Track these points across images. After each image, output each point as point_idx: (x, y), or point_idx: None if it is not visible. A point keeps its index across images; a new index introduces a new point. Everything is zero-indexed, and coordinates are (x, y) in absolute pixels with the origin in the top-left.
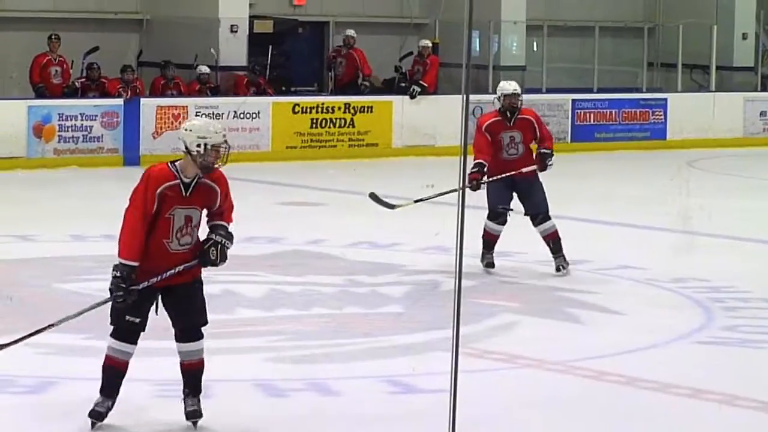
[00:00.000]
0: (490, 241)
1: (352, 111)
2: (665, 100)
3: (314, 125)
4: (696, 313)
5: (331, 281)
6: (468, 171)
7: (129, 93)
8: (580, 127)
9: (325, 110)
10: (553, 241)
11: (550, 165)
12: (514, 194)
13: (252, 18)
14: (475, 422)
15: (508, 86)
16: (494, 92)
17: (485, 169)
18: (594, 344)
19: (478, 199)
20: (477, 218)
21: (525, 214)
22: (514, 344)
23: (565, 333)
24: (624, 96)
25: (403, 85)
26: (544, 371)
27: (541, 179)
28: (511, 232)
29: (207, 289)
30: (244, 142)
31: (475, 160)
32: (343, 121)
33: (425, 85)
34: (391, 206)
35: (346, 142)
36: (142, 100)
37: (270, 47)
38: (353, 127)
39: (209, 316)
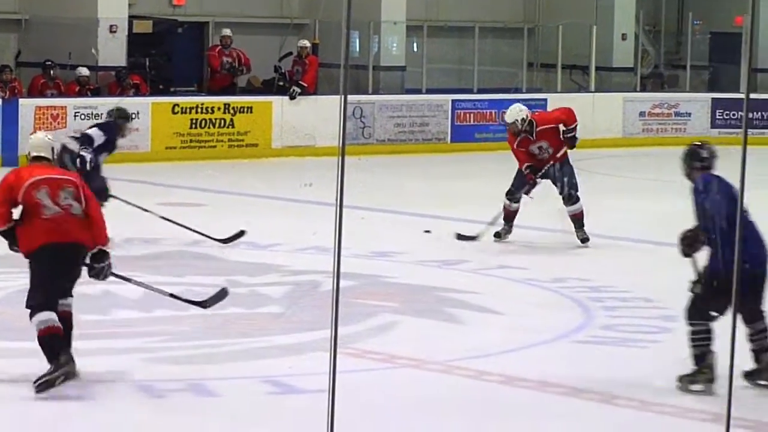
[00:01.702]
0: (509, 216)
1: (231, 111)
2: (545, 100)
3: (194, 126)
4: (576, 312)
5: (211, 281)
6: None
7: (7, 93)
8: (460, 128)
9: (204, 110)
10: (577, 220)
11: (576, 138)
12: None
13: (131, 18)
14: (354, 422)
15: (509, 117)
16: (374, 93)
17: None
18: (474, 344)
19: (361, 200)
20: (354, 219)
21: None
22: (393, 344)
23: (444, 333)
24: (504, 96)
25: (281, 84)
26: (423, 371)
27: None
28: (390, 234)
29: (85, 290)
30: (124, 143)
31: (522, 166)
32: (222, 121)
33: (305, 85)
34: (473, 238)
35: (225, 142)
36: (21, 101)
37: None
38: (233, 127)
39: (88, 317)
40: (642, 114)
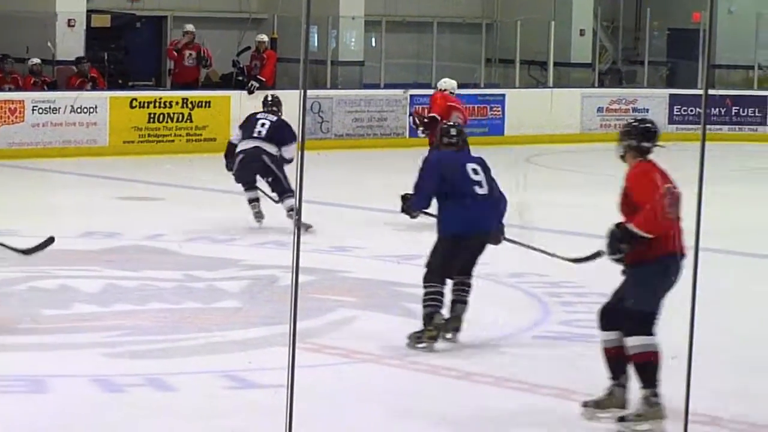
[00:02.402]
0: None
1: (189, 106)
2: (503, 95)
3: (152, 120)
4: (533, 307)
5: (169, 276)
6: None
7: None
8: None
9: (162, 105)
10: None
11: None
12: None
13: (89, 12)
14: (312, 416)
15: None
16: (332, 87)
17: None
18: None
19: (319, 195)
20: (313, 213)
21: None
22: (351, 339)
23: (402, 327)
24: (462, 92)
25: (240, 79)
26: (381, 366)
27: None
28: (348, 229)
29: (43, 284)
30: (82, 137)
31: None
32: (180, 115)
33: (263, 79)
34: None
35: (184, 137)
36: None
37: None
38: (191, 121)
39: (47, 311)
40: (600, 110)
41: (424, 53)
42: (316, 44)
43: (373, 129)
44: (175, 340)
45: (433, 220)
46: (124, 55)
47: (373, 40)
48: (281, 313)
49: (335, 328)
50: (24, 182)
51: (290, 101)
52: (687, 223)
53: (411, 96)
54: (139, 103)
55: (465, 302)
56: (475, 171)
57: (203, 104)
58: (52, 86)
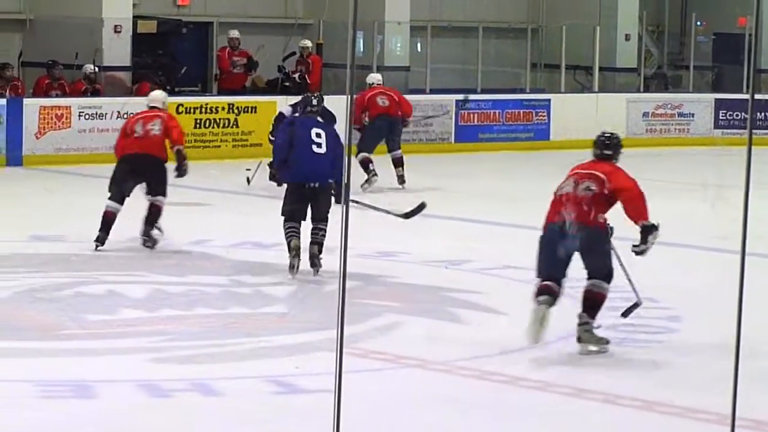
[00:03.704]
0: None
1: (236, 111)
2: (548, 100)
3: (198, 125)
4: (578, 312)
5: (215, 281)
6: None
7: (8, 91)
8: (464, 128)
9: (209, 110)
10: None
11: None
12: None
13: (135, 18)
14: (359, 422)
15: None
16: None
17: None
18: (477, 344)
19: (365, 199)
20: (360, 218)
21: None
22: (397, 344)
23: (448, 333)
24: (507, 97)
25: (286, 84)
26: (427, 371)
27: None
28: (395, 233)
29: (90, 290)
30: None
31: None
32: (227, 121)
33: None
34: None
35: (230, 142)
36: (25, 101)
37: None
38: (237, 127)
39: (94, 317)
40: (645, 114)
41: (469, 58)
42: (361, 49)
43: (418, 134)
44: (222, 345)
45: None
46: (171, 61)
47: (419, 45)
48: (327, 318)
49: (381, 334)
50: (70, 188)
51: (336, 106)
52: (734, 228)
53: (456, 101)
54: (185, 108)
55: (320, 243)
56: (318, 134)
57: (249, 109)
58: (95, 93)
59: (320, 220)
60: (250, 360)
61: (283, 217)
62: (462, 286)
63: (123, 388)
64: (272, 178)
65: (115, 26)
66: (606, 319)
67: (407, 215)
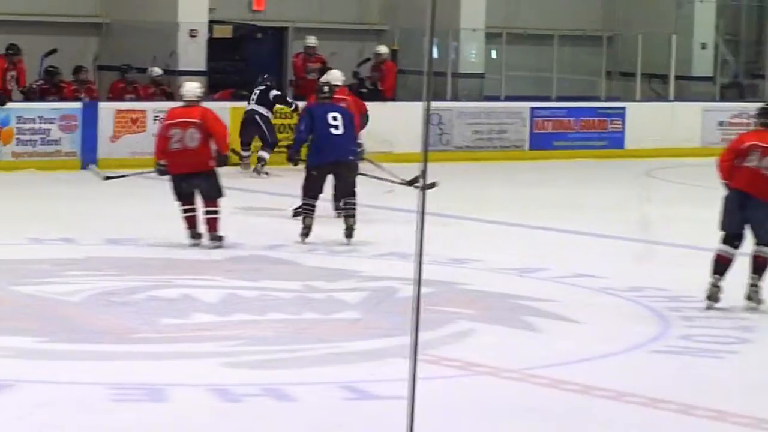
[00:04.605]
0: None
1: None
2: (624, 109)
3: None
4: (653, 322)
5: (288, 287)
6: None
7: (83, 93)
8: (539, 135)
9: (283, 116)
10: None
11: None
12: None
13: (211, 23)
14: (430, 429)
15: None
16: (453, 99)
17: None
18: (550, 352)
19: (440, 207)
20: (434, 225)
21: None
22: (470, 351)
23: (521, 341)
24: (582, 104)
25: (364, 90)
26: (500, 379)
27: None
28: (467, 241)
29: (164, 294)
30: None
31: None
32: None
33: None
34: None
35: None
36: (101, 104)
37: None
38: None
39: (167, 320)
40: (721, 123)
41: (544, 66)
42: (436, 56)
43: (492, 141)
44: (294, 350)
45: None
46: (246, 66)
47: (494, 52)
48: (400, 324)
49: (454, 341)
50: (144, 191)
51: (411, 113)
52: None
53: (531, 108)
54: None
55: (353, 215)
56: (334, 117)
57: None
58: (171, 97)
59: (348, 195)
60: (322, 365)
61: (303, 195)
62: (535, 294)
63: (195, 392)
64: (289, 159)
65: (191, 31)
66: (680, 329)
67: (411, 182)
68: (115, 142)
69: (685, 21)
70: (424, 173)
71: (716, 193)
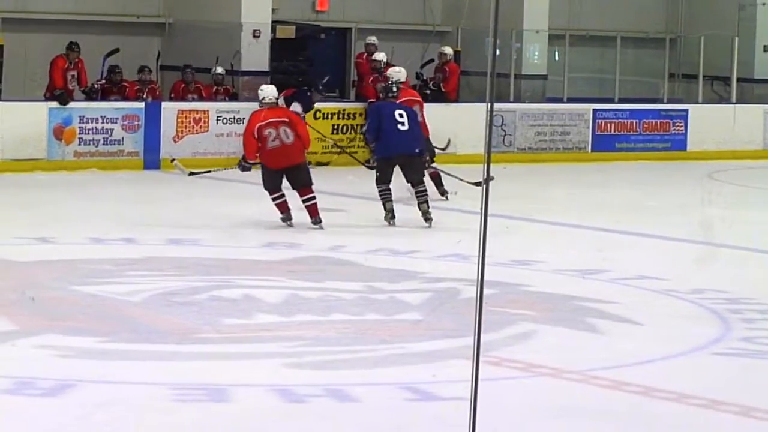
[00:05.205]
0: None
1: None
2: (686, 111)
3: (335, 131)
4: (714, 324)
5: (351, 287)
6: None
7: (146, 93)
8: (601, 137)
9: (346, 116)
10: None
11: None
12: None
13: (274, 23)
14: (492, 430)
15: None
16: (515, 101)
17: None
18: (612, 354)
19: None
20: (497, 226)
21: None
22: (532, 353)
23: (583, 342)
24: (645, 106)
25: (427, 92)
26: (561, 380)
27: None
28: (530, 242)
29: (226, 294)
30: None
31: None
32: (364, 127)
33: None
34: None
35: (366, 148)
36: (164, 104)
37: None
38: None
39: (230, 321)
40: None
41: (607, 67)
42: (499, 54)
43: (555, 143)
44: (357, 351)
45: None
46: (309, 66)
47: (557, 53)
48: (463, 325)
49: (516, 342)
50: (206, 191)
51: (474, 114)
52: None
53: (594, 110)
54: (323, 114)
55: (426, 201)
56: (400, 115)
57: None
58: (234, 97)
59: (418, 183)
60: (384, 366)
61: (377, 184)
62: (598, 295)
63: (257, 393)
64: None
65: (254, 31)
66: (741, 332)
67: (478, 183)
68: (178, 142)
69: (747, 23)
70: (487, 174)
71: None
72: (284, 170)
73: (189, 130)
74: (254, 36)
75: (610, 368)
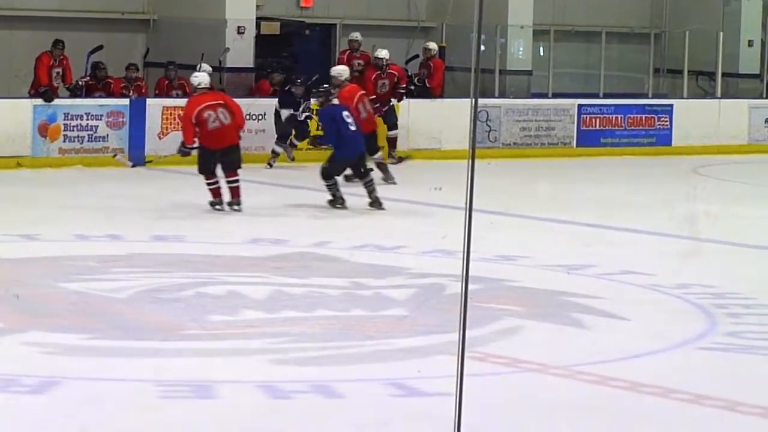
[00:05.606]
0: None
1: None
2: (671, 106)
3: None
4: (699, 318)
5: (336, 283)
6: None
7: (132, 91)
8: (586, 132)
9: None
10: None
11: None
12: None
13: (259, 19)
14: (478, 426)
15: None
16: (500, 96)
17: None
18: (597, 349)
19: (487, 203)
20: (482, 222)
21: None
22: (517, 348)
23: (568, 337)
24: (630, 102)
25: (413, 88)
26: (547, 376)
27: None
28: (515, 238)
29: (211, 290)
30: (251, 144)
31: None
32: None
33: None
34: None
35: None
36: (148, 101)
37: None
38: None
39: (215, 317)
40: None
41: (592, 63)
42: (483, 50)
43: (540, 138)
44: (342, 347)
45: None
46: (294, 62)
47: (541, 49)
48: (448, 321)
49: (501, 337)
50: (191, 188)
51: (458, 110)
52: None
53: (579, 105)
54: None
55: (375, 189)
56: (348, 116)
57: None
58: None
59: (365, 175)
60: (370, 362)
61: (326, 179)
62: (583, 291)
63: (243, 389)
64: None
65: (239, 27)
66: (726, 326)
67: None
68: (163, 138)
69: (732, 18)
70: (471, 170)
71: (763, 190)
72: (222, 150)
73: (174, 127)
74: (239, 32)
75: (595, 363)
